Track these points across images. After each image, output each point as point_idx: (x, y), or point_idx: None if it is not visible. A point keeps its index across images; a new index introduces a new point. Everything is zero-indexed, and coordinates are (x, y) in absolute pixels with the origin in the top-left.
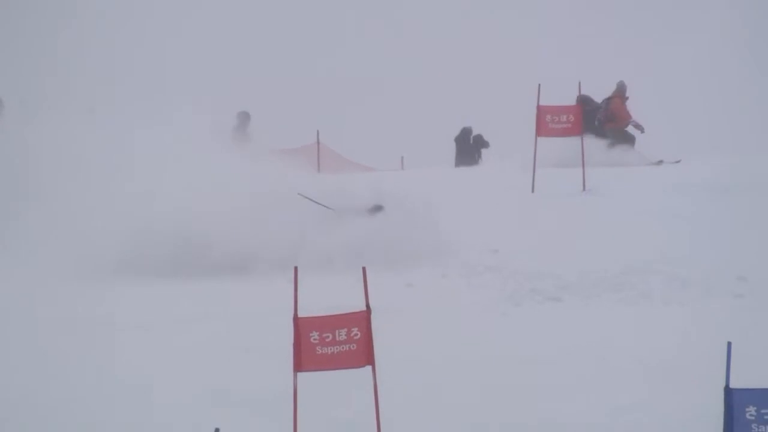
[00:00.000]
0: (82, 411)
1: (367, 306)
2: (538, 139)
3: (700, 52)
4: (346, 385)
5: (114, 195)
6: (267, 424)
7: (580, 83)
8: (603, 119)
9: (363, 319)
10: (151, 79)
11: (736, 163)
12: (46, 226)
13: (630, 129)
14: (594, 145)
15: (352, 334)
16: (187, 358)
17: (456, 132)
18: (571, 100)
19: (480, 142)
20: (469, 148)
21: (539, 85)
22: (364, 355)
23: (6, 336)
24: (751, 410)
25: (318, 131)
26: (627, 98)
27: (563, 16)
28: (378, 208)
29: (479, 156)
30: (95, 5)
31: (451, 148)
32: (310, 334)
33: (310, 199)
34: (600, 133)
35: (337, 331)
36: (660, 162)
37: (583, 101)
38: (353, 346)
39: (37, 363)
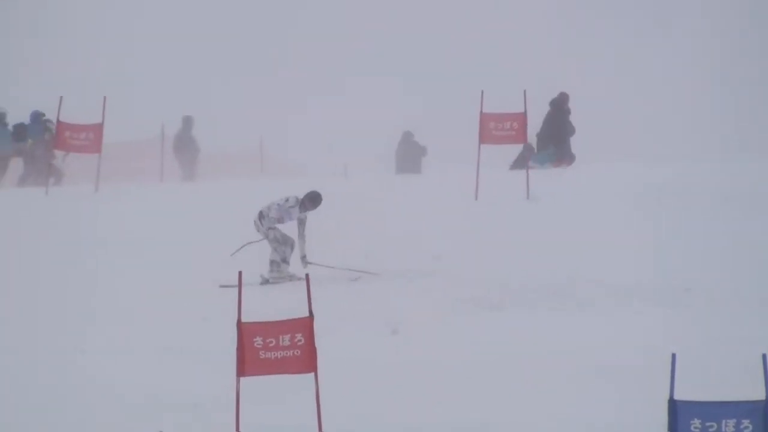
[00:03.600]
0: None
1: (310, 312)
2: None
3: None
4: (287, 390)
5: None
6: (209, 429)
7: (525, 92)
8: None
9: (306, 325)
10: None
11: (678, 169)
12: None
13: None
14: None
15: (295, 340)
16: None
17: (397, 137)
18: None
19: (418, 149)
20: (411, 154)
21: (482, 91)
22: (307, 361)
23: None
24: (696, 423)
25: (261, 137)
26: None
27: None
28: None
29: (420, 162)
30: None
31: (392, 154)
32: (254, 339)
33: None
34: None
35: (281, 337)
36: None
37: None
38: (297, 352)
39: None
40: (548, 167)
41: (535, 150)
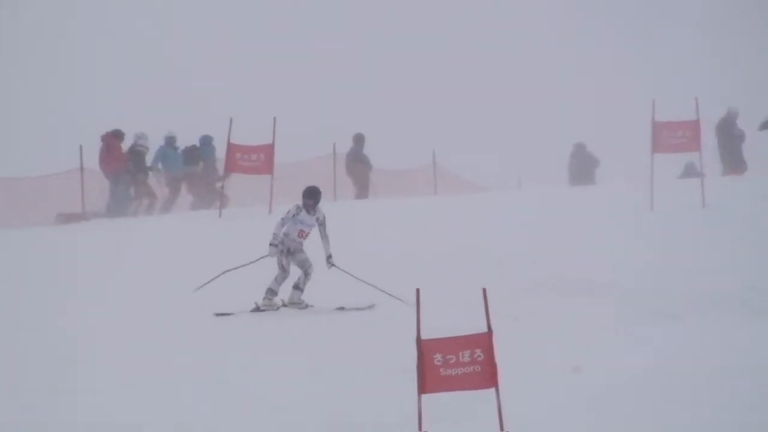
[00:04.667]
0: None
1: (489, 327)
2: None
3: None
4: (469, 407)
5: None
6: None
7: (697, 100)
8: None
9: (486, 340)
10: None
11: None
12: None
13: None
14: None
15: (475, 356)
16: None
17: (569, 149)
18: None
19: (592, 160)
20: (585, 165)
21: (653, 100)
22: (488, 376)
23: None
24: None
25: (434, 151)
26: None
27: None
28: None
29: (593, 174)
30: None
31: (564, 166)
32: (434, 356)
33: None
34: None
35: (461, 353)
36: None
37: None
38: (477, 368)
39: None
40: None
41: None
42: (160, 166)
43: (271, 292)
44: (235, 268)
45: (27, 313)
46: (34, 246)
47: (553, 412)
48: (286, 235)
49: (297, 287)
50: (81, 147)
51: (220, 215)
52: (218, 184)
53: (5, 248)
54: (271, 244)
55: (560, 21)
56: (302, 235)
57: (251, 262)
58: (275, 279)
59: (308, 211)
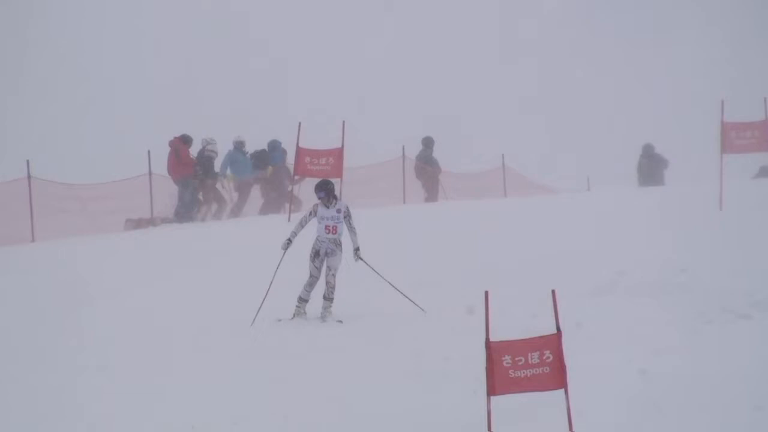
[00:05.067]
0: None
1: (558, 329)
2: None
3: None
4: (537, 408)
5: None
6: None
7: (766, 100)
8: None
9: (555, 341)
10: None
11: None
12: None
13: None
14: None
15: (544, 357)
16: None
17: (638, 150)
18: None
19: (661, 161)
20: (654, 166)
21: (722, 101)
22: (557, 377)
23: None
24: None
25: (503, 155)
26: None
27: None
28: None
29: (662, 175)
30: None
31: (633, 166)
32: (503, 358)
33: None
34: None
35: (529, 354)
36: None
37: None
38: (546, 369)
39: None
40: None
41: None
42: (228, 171)
43: (301, 300)
44: (269, 286)
45: (102, 316)
46: (104, 252)
47: (619, 414)
48: (317, 239)
49: (326, 298)
50: (149, 152)
51: (288, 219)
52: (290, 188)
53: (77, 255)
54: (286, 240)
55: (633, 20)
56: (329, 230)
57: (276, 267)
58: (305, 286)
59: (326, 206)
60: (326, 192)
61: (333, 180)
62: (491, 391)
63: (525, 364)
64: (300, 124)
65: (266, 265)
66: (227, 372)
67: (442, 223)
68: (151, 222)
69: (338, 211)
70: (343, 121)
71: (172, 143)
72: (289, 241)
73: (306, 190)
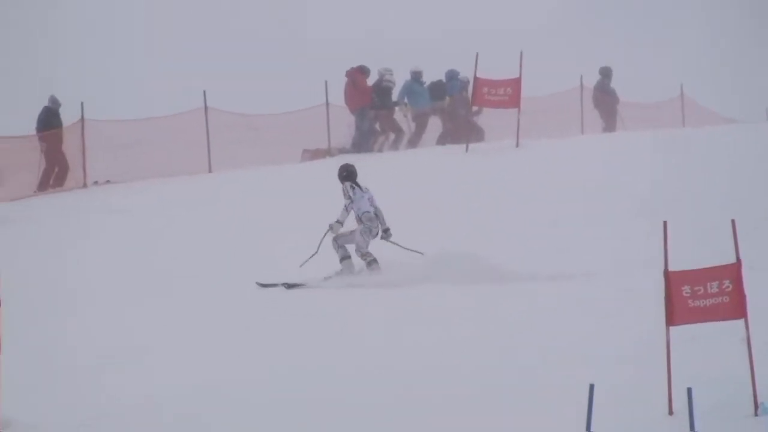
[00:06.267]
0: None
1: (738, 258)
2: None
3: None
4: (715, 339)
5: None
6: (640, 380)
7: None
8: None
9: (734, 271)
10: None
11: None
12: None
13: None
14: None
15: (723, 287)
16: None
17: None
18: None
19: None
20: None
21: (477, 54)
22: (737, 307)
23: None
24: None
25: (682, 84)
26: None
27: None
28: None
29: None
30: None
31: None
32: (683, 288)
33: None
34: None
35: (708, 284)
36: None
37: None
38: (725, 299)
39: None
40: None
41: None
42: (406, 101)
43: (369, 255)
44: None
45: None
46: (280, 182)
47: None
48: (371, 220)
49: (349, 261)
50: (326, 83)
51: (466, 150)
52: (471, 118)
53: (252, 186)
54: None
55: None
56: (361, 209)
57: (319, 243)
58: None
59: (354, 189)
60: (348, 175)
61: (511, 110)
62: (670, 321)
63: (704, 294)
64: (477, 54)
65: (443, 193)
66: None
67: (618, 153)
68: (328, 152)
69: (368, 199)
70: (521, 51)
71: (349, 73)
72: (340, 223)
73: (484, 121)
